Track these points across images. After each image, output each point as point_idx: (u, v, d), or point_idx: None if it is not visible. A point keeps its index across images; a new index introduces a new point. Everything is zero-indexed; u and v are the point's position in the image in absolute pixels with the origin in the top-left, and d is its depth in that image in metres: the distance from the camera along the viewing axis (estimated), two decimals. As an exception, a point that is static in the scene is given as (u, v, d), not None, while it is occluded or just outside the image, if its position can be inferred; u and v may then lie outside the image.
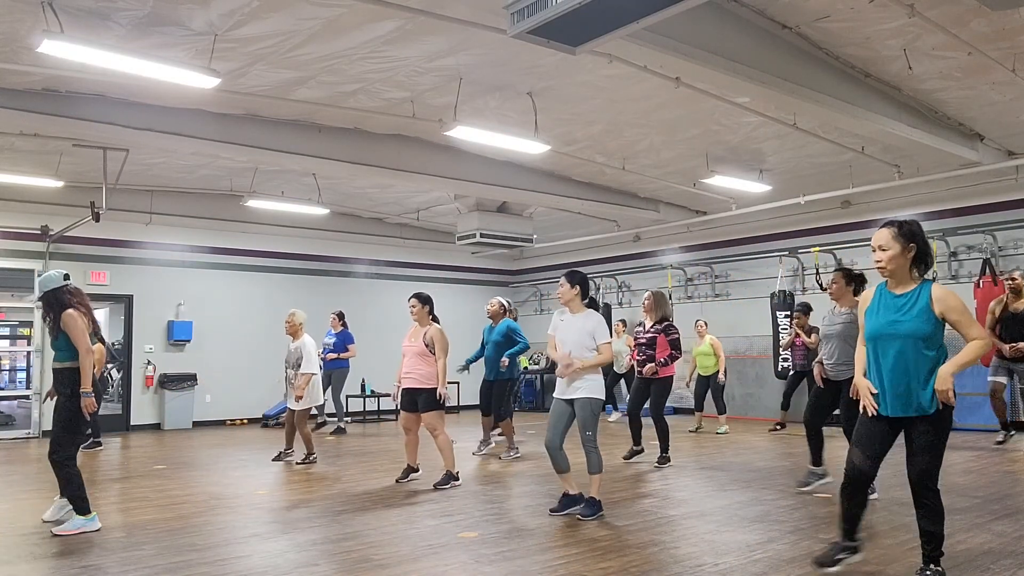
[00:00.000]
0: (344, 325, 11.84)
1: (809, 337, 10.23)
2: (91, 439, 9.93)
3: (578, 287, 5.52)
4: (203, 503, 6.20)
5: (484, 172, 10.79)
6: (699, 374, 11.35)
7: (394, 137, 9.86)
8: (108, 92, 7.93)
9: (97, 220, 10.42)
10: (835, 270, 5.22)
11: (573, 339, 5.43)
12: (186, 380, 12.99)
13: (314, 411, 11.63)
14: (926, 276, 3.76)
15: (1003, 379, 8.39)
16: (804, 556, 4.27)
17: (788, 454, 8.57)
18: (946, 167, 10.08)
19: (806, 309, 10.63)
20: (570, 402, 5.44)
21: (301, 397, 8.13)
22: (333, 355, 11.64)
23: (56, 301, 5.29)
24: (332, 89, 8.05)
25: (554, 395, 5.55)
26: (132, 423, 12.74)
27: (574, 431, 5.47)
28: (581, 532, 4.96)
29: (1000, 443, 8.53)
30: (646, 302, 8.10)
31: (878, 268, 3.72)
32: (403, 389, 6.83)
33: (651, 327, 7.96)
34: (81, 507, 5.19)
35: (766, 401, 13.02)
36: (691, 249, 14.29)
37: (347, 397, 14.29)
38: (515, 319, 9.29)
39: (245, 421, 13.47)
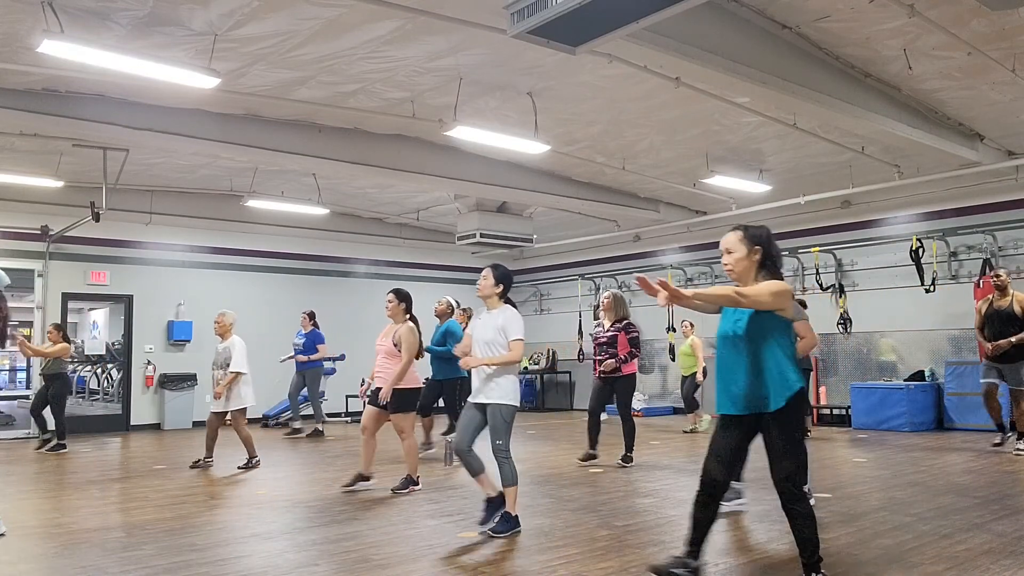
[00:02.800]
0: (315, 325, 11.58)
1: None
2: (56, 442, 9.87)
3: (502, 284, 5.21)
4: (203, 503, 6.19)
5: (484, 172, 10.79)
6: (682, 374, 11.35)
7: (394, 137, 9.86)
8: (108, 92, 7.93)
9: (97, 220, 10.43)
10: None
11: (487, 337, 5.08)
12: (186, 380, 12.99)
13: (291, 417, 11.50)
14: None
15: (995, 380, 8.22)
16: (804, 556, 4.26)
17: (788, 454, 8.56)
18: (946, 167, 10.09)
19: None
20: (482, 407, 5.07)
21: (220, 395, 7.88)
22: (303, 357, 11.34)
23: None
24: (332, 89, 8.05)
25: (468, 399, 5.18)
26: (132, 423, 12.75)
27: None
28: (581, 532, 4.96)
29: (997, 445, 8.39)
30: (605, 302, 8.15)
31: (726, 271, 3.72)
32: (373, 388, 6.59)
33: (611, 327, 8.01)
34: None
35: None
36: (691, 249, 14.30)
37: (347, 397, 14.34)
38: (469, 318, 9.16)
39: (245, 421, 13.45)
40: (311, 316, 11.65)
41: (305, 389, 11.56)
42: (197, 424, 13.06)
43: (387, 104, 8.49)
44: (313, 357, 11.38)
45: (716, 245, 12.72)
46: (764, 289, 3.47)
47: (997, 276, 8.23)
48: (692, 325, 11.43)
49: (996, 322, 8.10)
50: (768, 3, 6.38)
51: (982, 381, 8.36)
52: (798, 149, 10.07)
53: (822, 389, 12.37)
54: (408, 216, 14.64)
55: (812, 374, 12.31)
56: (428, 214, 14.48)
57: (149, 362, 12.97)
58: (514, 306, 5.26)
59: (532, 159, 10.56)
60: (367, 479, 6.65)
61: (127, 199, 11.87)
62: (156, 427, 12.90)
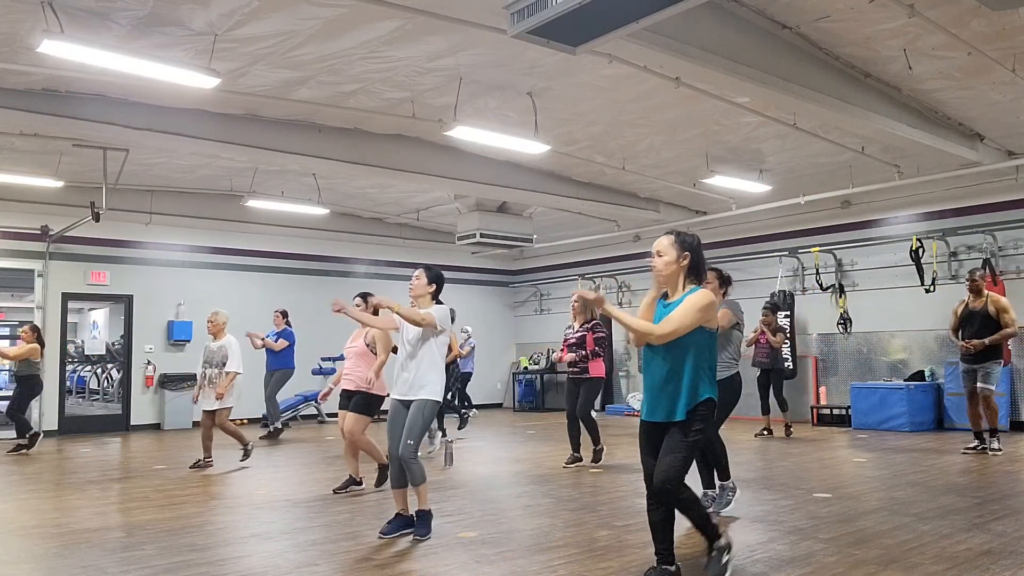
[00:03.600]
0: (288, 323, 11.40)
1: (775, 336, 10.21)
2: (32, 437, 9.85)
3: (434, 285, 5.07)
4: (203, 503, 6.20)
5: (484, 172, 10.79)
6: None
7: (394, 137, 9.86)
8: (108, 92, 7.93)
9: (97, 220, 10.43)
10: (708, 269, 4.85)
11: (413, 335, 4.94)
12: (186, 380, 12.98)
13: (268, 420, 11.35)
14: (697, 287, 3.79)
15: (976, 384, 8.12)
16: (804, 556, 4.27)
17: (787, 454, 8.57)
18: (946, 167, 10.09)
19: (774, 308, 10.63)
20: (407, 405, 4.87)
21: (222, 396, 7.87)
22: (270, 341, 11.05)
23: None
24: (332, 89, 8.05)
25: (391, 395, 5.01)
26: (132, 423, 12.76)
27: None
28: (581, 532, 4.96)
29: (969, 449, 8.17)
30: (575, 304, 8.15)
31: (655, 273, 3.82)
32: (342, 390, 6.58)
33: (580, 327, 8.03)
34: None
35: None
36: (691, 249, 14.26)
37: (347, 397, 14.33)
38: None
39: (245, 421, 13.44)
40: (284, 314, 11.50)
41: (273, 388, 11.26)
42: (197, 424, 13.04)
43: (387, 104, 8.49)
44: (272, 344, 11.05)
45: (716, 245, 12.78)
46: (685, 315, 3.58)
47: (973, 280, 8.22)
48: None
49: (973, 323, 8.10)
50: (768, 3, 6.38)
51: (965, 387, 8.31)
52: (798, 149, 10.07)
53: (822, 389, 12.37)
54: (408, 216, 14.64)
55: (812, 373, 12.38)
56: (428, 214, 14.48)
57: (149, 362, 12.97)
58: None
59: (532, 159, 10.56)
60: (359, 483, 6.66)
61: (127, 199, 11.87)
62: (156, 427, 12.90)
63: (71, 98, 7.90)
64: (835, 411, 11.83)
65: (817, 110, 7.52)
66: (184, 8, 6.25)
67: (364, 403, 6.44)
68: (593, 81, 7.88)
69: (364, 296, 6.63)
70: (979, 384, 8.05)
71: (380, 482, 6.69)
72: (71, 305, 12.95)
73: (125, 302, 13.04)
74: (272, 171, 11.21)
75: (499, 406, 17.21)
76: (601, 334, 7.98)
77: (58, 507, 6.07)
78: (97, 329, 19.06)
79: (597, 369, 7.93)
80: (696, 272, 3.78)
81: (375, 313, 6.19)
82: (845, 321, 12.05)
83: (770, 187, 11.23)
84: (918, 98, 8.26)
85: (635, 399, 14.49)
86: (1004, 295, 9.10)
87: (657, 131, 9.47)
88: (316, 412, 13.96)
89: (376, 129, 9.63)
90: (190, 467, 8.19)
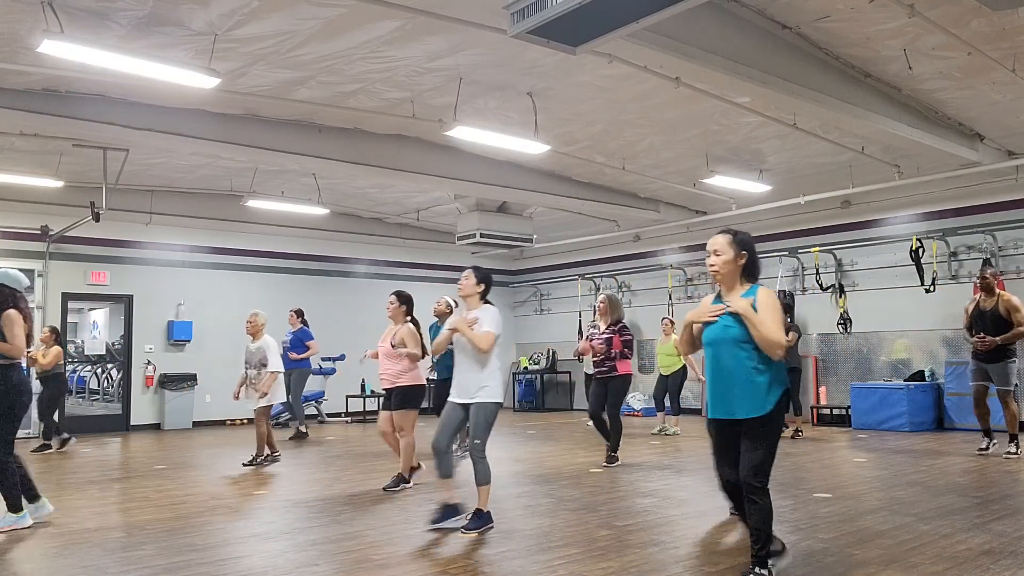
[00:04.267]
0: (304, 323, 11.39)
1: (787, 336, 10.21)
2: (63, 440, 9.85)
3: (483, 285, 5.29)
4: (203, 503, 6.20)
5: (484, 172, 10.78)
6: (660, 373, 11.21)
7: (394, 137, 9.86)
8: (108, 92, 7.93)
9: (97, 220, 10.43)
10: None
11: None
12: (186, 380, 12.99)
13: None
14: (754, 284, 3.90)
15: (983, 382, 8.11)
16: (804, 556, 4.27)
17: (787, 454, 8.57)
18: (946, 167, 10.09)
19: (785, 309, 10.63)
20: (465, 407, 5.10)
21: (267, 393, 8.01)
22: (295, 355, 11.08)
23: (2, 298, 5.44)
24: (332, 89, 8.05)
25: (449, 398, 5.22)
26: (132, 423, 12.75)
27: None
28: (581, 532, 4.96)
29: (983, 451, 8.17)
30: (601, 305, 8.16)
31: (711, 271, 3.91)
32: (383, 389, 6.73)
33: (606, 328, 8.03)
34: (12, 503, 5.25)
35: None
36: (691, 249, 14.28)
37: (347, 397, 14.34)
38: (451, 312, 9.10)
39: (245, 421, 13.46)
40: (299, 314, 11.48)
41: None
42: (197, 424, 13.08)
43: (387, 104, 8.49)
44: (303, 355, 11.15)
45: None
46: (775, 312, 3.68)
47: (984, 278, 8.18)
48: (672, 323, 11.33)
49: (983, 323, 8.05)
50: (768, 3, 6.38)
51: (971, 384, 8.29)
52: (798, 149, 10.07)
53: (822, 389, 12.37)
54: (408, 216, 14.64)
55: (812, 373, 12.39)
56: (428, 214, 14.48)
57: (149, 362, 12.97)
58: (492, 306, 5.28)
59: (532, 159, 10.56)
60: (408, 481, 6.69)
61: (127, 199, 11.86)
62: (156, 427, 12.89)
63: (71, 98, 7.90)
64: (835, 411, 11.83)
65: (817, 110, 7.52)
66: (184, 8, 6.25)
67: (405, 398, 6.50)
68: (593, 81, 7.88)
69: (399, 294, 6.78)
70: (997, 387, 8.02)
71: (392, 486, 6.61)
72: (71, 305, 12.95)
73: (125, 302, 13.04)
74: (272, 171, 11.21)
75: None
76: (628, 336, 7.98)
77: (58, 507, 6.05)
78: (97, 329, 19.05)
79: (625, 367, 7.93)
80: (751, 270, 3.86)
81: (407, 316, 6.72)
82: (845, 321, 12.05)
83: (770, 187, 11.23)
84: (918, 98, 8.26)
85: (635, 399, 14.48)
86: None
87: (657, 131, 9.47)
88: (316, 412, 13.97)
89: (376, 129, 9.63)
90: (264, 460, 8.18)
